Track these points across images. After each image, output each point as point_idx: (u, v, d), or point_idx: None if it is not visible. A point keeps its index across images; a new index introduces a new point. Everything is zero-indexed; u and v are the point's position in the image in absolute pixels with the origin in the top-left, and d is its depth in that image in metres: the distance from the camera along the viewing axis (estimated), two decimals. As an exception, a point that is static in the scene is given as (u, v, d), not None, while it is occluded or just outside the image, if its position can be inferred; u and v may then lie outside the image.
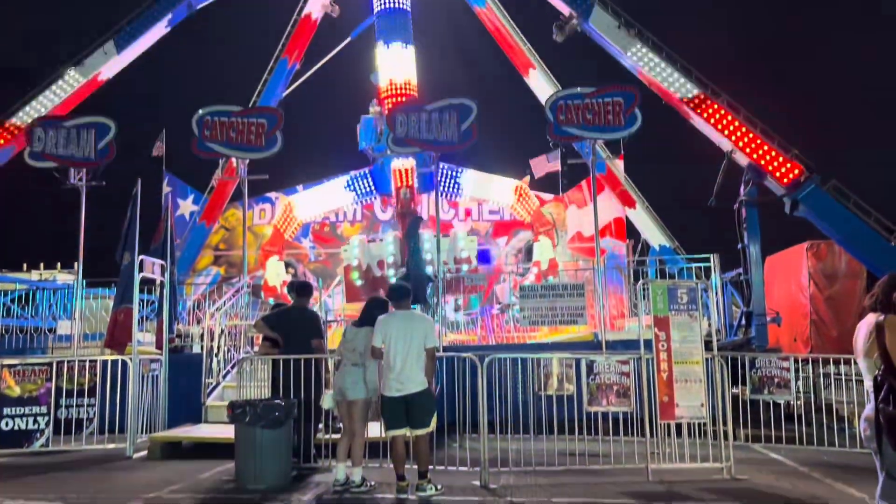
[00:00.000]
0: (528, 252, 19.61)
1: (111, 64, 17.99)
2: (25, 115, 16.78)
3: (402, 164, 18.62)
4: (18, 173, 16.17)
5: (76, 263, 13.54)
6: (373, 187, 19.66)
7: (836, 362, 10.77)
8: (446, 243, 17.13)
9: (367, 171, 19.76)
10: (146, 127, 20.23)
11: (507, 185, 20.46)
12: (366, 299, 9.02)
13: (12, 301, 16.36)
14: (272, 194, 20.89)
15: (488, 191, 20.43)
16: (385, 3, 19.91)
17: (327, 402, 8.20)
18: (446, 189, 19.20)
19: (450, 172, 19.27)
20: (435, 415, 7.51)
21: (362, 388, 7.79)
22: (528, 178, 20.94)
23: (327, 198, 20.35)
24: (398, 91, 19.41)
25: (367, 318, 7.99)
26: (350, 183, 19.94)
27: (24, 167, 14.12)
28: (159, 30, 18.54)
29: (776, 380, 10.13)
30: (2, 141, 16.70)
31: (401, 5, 19.99)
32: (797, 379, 10.83)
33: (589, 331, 13.56)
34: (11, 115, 16.93)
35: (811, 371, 11.84)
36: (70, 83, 17.46)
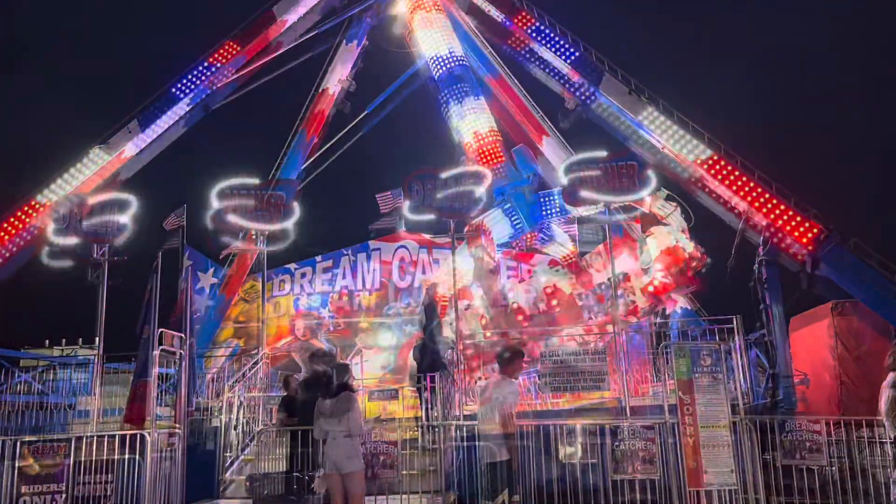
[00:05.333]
0: None
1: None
2: (51, 193, 17.20)
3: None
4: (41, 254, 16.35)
5: (97, 338, 13.57)
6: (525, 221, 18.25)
7: (870, 424, 10.41)
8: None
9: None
10: (169, 209, 20.64)
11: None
12: None
13: (34, 378, 16.38)
14: (291, 265, 20.94)
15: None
16: (447, 66, 19.95)
17: (320, 485, 7.81)
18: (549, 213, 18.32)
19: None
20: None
21: (359, 459, 7.67)
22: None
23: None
24: (484, 141, 19.14)
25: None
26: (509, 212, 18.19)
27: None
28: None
29: (808, 444, 9.80)
30: (28, 220, 17.06)
31: (461, 62, 20.02)
32: (830, 444, 10.47)
33: (612, 397, 13.26)
34: (37, 193, 17.36)
35: (843, 435, 11.45)
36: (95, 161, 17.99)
